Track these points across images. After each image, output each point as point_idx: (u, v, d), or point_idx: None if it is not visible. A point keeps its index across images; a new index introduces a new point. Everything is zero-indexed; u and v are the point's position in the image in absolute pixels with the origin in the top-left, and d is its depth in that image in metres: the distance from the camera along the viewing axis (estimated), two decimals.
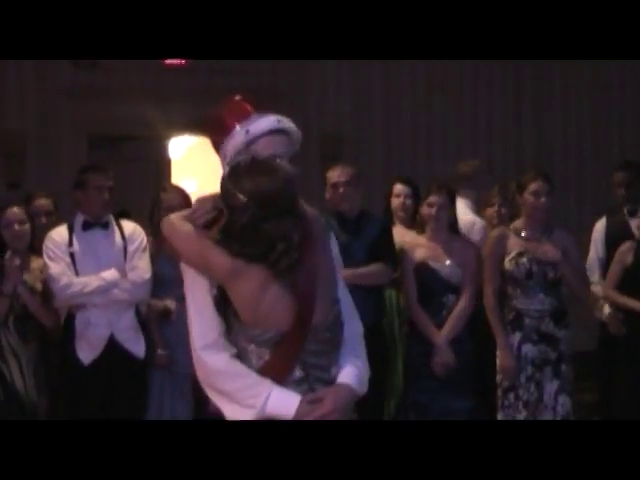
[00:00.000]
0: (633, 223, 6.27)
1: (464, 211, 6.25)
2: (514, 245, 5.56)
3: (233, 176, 2.81)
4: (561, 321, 5.50)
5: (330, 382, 2.88)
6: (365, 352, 3.00)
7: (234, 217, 2.75)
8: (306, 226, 2.83)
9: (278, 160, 2.89)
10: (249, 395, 2.82)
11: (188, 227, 2.85)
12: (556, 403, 5.40)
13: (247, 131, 2.97)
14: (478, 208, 6.47)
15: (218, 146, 3.02)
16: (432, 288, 5.53)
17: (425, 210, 5.61)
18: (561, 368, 5.44)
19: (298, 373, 2.85)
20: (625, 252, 5.88)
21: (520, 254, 5.52)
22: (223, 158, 3.00)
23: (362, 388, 2.94)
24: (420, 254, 5.58)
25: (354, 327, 3.00)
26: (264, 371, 2.82)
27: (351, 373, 2.90)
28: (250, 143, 2.96)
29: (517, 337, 5.48)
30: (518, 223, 5.64)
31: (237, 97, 3.10)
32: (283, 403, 2.81)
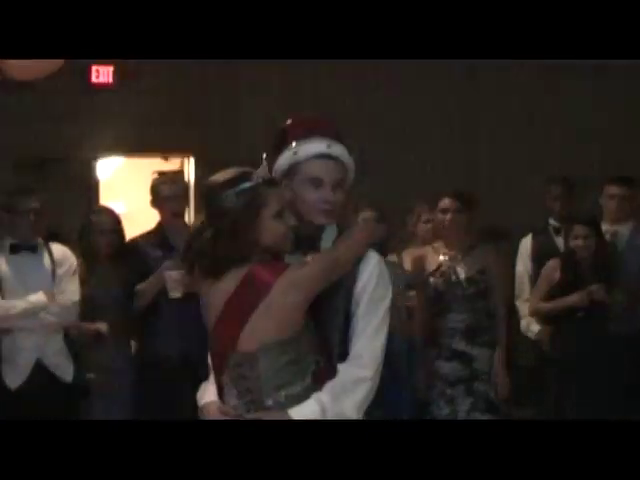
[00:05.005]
0: (559, 240, 6.30)
1: None
2: (430, 264, 5.56)
3: None
4: (475, 339, 5.46)
5: (265, 408, 2.86)
6: (354, 398, 2.91)
7: None
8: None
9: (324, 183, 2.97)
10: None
11: None
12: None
13: (295, 152, 3.00)
14: (413, 224, 6.38)
15: (272, 157, 3.04)
16: None
17: None
18: (474, 386, 5.42)
19: (234, 390, 2.89)
20: (552, 269, 5.85)
21: (430, 274, 5.53)
22: (271, 172, 3.02)
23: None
24: None
25: (349, 371, 2.94)
26: None
27: (301, 411, 2.85)
28: (297, 164, 2.99)
29: (432, 354, 5.49)
30: (439, 242, 5.64)
31: (304, 114, 3.16)
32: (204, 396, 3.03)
